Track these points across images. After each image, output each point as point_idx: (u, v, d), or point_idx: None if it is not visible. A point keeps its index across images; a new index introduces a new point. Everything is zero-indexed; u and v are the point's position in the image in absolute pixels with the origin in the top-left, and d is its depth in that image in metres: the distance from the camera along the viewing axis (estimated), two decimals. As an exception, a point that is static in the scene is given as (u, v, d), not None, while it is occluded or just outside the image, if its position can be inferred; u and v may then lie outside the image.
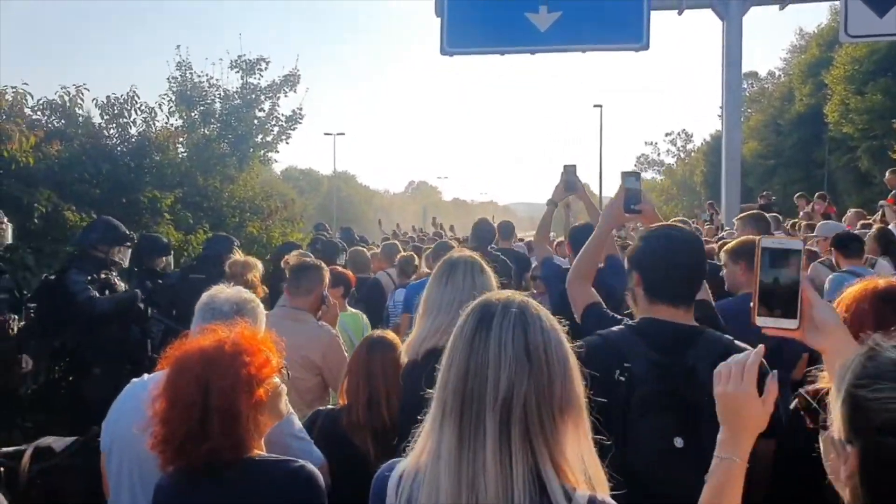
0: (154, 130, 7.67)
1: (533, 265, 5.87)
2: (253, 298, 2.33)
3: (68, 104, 6.82)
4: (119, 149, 7.31)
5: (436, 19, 14.18)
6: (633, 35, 14.52)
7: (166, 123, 8.47)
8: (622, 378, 1.98)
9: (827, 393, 1.03)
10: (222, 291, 2.30)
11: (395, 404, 2.53)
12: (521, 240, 9.04)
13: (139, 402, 1.85)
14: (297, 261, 3.70)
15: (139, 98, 7.57)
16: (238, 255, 4.25)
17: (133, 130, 7.59)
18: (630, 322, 2.19)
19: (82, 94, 6.92)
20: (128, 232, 4.82)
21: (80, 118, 7.01)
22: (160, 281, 5.35)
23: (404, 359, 2.46)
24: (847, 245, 5.09)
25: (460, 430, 1.23)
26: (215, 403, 1.64)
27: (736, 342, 2.03)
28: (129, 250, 4.86)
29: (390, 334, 2.80)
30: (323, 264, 3.81)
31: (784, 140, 34.77)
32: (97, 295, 4.42)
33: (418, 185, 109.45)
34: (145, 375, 2.24)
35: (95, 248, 4.63)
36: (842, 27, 14.04)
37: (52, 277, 4.63)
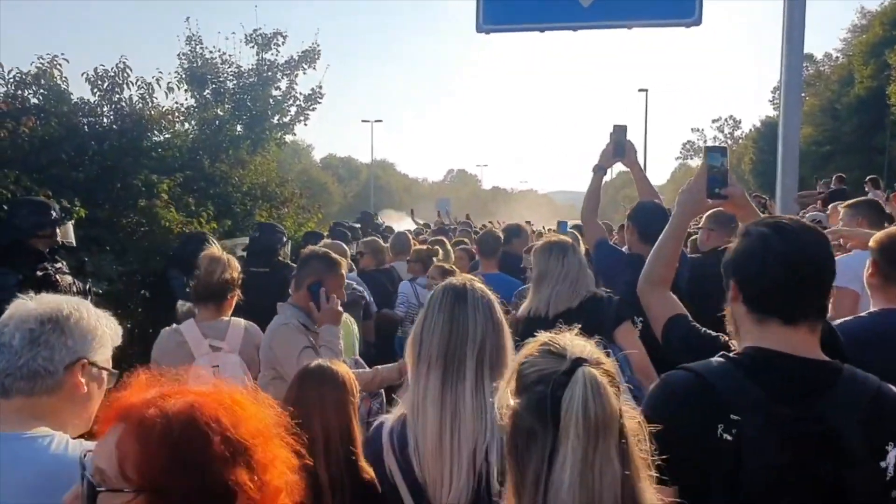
0: (150, 107, 6.98)
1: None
2: (68, 311, 1.57)
3: (45, 77, 6.16)
4: (114, 127, 6.65)
5: (471, -4, 13.34)
6: (684, 9, 13.43)
7: (174, 102, 7.83)
8: (727, 436, 1.41)
9: None
10: (18, 311, 1.56)
11: (339, 446, 2.00)
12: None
13: None
14: (303, 253, 3.51)
15: (131, 70, 6.88)
16: (214, 248, 3.48)
17: (128, 108, 6.90)
18: (731, 354, 1.56)
19: (59, 65, 6.24)
20: (58, 205, 4.16)
21: (66, 93, 6.34)
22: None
23: (522, 311, 3.06)
24: None
25: (444, 374, 1.75)
26: None
27: (885, 385, 1.48)
28: (70, 225, 4.17)
29: (337, 365, 2.23)
30: (329, 254, 3.34)
31: (841, 125, 33.38)
32: None
33: (457, 173, 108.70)
34: None
35: (35, 236, 3.82)
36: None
37: None
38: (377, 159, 65.97)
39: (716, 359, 1.56)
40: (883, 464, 1.41)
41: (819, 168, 31.30)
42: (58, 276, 3.86)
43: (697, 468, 1.45)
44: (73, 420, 1.57)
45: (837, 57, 40.88)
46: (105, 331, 1.63)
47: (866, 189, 11.49)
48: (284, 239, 5.45)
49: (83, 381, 1.57)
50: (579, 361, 1.12)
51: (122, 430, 1.00)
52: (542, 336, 1.23)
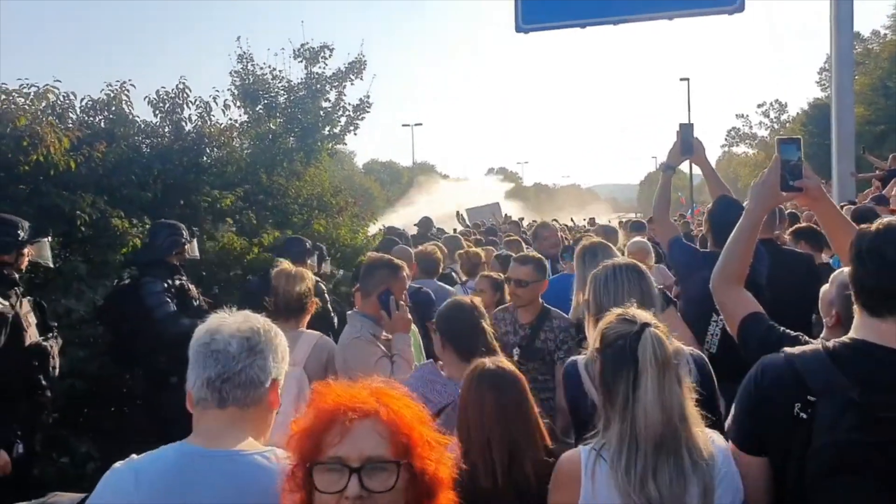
0: (209, 125, 7.24)
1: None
2: (269, 328, 1.65)
3: (114, 103, 6.44)
4: (175, 146, 6.91)
5: (509, -5, 13.23)
6: (726, -3, 13.05)
7: (228, 119, 8.10)
8: (802, 415, 1.54)
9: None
10: (224, 322, 1.62)
11: (524, 459, 1.96)
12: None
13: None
14: (366, 260, 3.65)
15: (190, 91, 7.13)
16: (286, 264, 3.64)
17: (188, 127, 7.16)
18: (829, 342, 1.65)
19: (128, 91, 6.51)
20: (184, 225, 4.72)
21: (131, 116, 6.63)
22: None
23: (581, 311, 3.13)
24: None
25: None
26: None
27: None
28: (195, 242, 4.80)
29: (503, 364, 2.10)
30: (393, 261, 3.44)
31: (895, 103, 31.95)
32: (175, 311, 4.21)
33: (498, 171, 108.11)
34: (133, 458, 1.55)
35: (170, 255, 4.43)
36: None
37: (127, 283, 4.46)
38: (418, 162, 66.29)
39: (812, 346, 1.67)
40: None
41: (874, 148, 30.03)
42: (189, 286, 4.49)
43: (779, 443, 1.61)
44: (263, 432, 1.61)
45: (885, 34, 39.39)
46: (286, 348, 1.69)
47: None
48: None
49: (274, 397, 1.62)
50: (647, 324, 1.71)
51: (377, 422, 1.26)
52: (616, 310, 1.82)
